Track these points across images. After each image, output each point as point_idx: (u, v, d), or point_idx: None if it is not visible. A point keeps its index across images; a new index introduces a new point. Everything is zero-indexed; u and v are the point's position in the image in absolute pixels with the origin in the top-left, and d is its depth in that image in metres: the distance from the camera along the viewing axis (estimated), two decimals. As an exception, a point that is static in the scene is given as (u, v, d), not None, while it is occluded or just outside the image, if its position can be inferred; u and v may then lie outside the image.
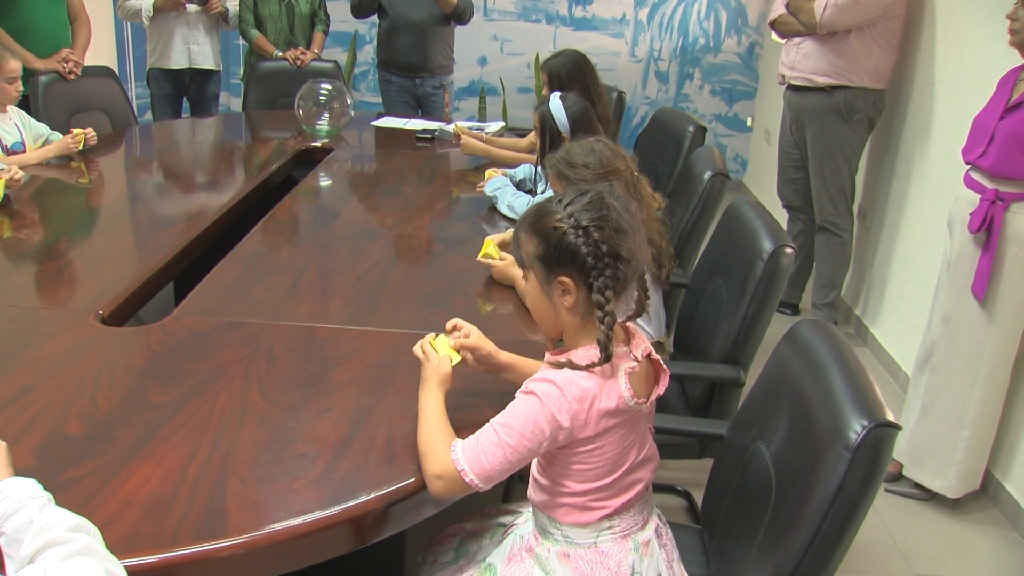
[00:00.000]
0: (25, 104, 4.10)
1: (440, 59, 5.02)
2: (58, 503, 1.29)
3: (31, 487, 1.34)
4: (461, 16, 4.86)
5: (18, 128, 3.66)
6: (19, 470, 1.41)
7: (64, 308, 2.26)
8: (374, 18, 5.10)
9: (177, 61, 4.96)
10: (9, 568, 1.26)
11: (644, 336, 1.68)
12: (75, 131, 3.70)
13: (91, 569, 1.20)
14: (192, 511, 1.46)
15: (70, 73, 4.32)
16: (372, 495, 1.53)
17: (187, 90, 5.12)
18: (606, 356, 1.52)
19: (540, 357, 1.82)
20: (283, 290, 2.41)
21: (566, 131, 2.88)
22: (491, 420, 1.55)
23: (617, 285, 1.54)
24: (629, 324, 1.67)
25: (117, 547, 1.25)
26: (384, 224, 3.04)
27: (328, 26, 5.21)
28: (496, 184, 3.14)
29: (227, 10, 5.01)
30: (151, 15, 4.85)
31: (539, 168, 3.08)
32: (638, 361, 1.60)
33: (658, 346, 1.66)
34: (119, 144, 4.16)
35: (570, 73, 3.56)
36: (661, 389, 1.65)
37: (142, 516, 1.44)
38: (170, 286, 2.79)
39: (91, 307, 2.23)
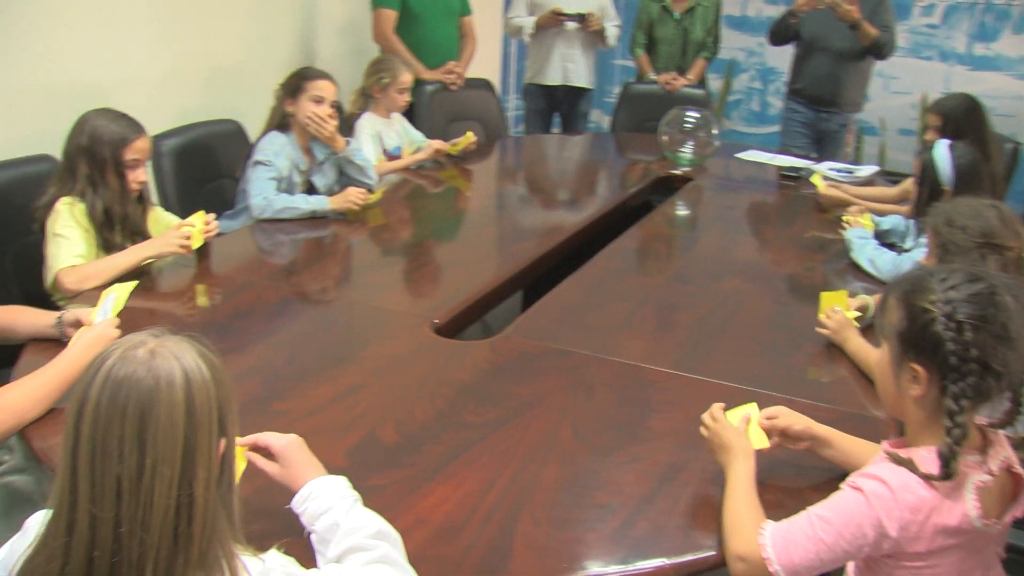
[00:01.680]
0: (409, 111, 4.39)
1: (852, 95, 4.73)
2: (358, 509, 1.33)
3: (341, 487, 1.37)
4: (881, 50, 4.54)
5: (399, 134, 3.91)
6: (329, 469, 1.45)
7: (406, 312, 2.34)
8: (759, 45, 4.94)
9: (552, 77, 5.08)
10: (319, 562, 1.31)
11: (1005, 442, 1.41)
12: (456, 140, 3.90)
13: None
14: (479, 542, 1.42)
15: (452, 84, 4.55)
16: (666, 562, 1.41)
17: (559, 106, 5.23)
18: (946, 473, 1.29)
19: (876, 438, 1.61)
20: (618, 321, 2.34)
21: (949, 184, 2.58)
22: (809, 509, 1.37)
23: (977, 398, 1.31)
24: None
25: (397, 570, 1.24)
26: (734, 264, 2.89)
27: (715, 54, 5.09)
28: (859, 233, 2.87)
29: (604, 28, 5.01)
30: (532, 32, 5.01)
31: (912, 221, 2.78)
32: (993, 475, 1.34)
33: (1021, 443, 1.39)
34: (489, 154, 4.33)
35: (966, 119, 3.20)
36: (1021, 510, 1.38)
37: (431, 538, 1.43)
38: (519, 296, 2.85)
39: (430, 315, 2.29)
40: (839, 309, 2.22)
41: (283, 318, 2.30)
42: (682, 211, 3.51)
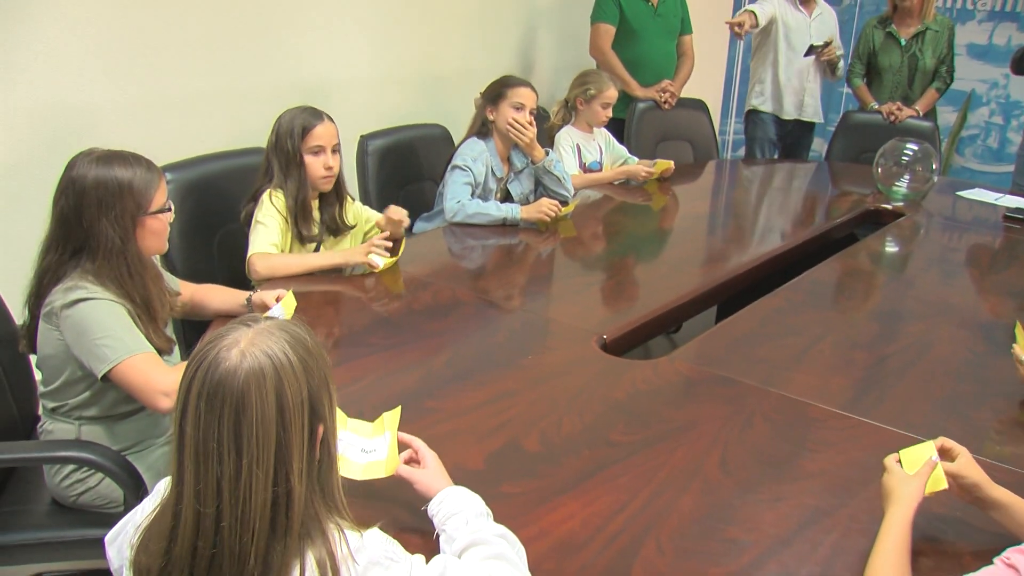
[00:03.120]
0: (619, 126, 4.39)
1: None
2: (482, 515, 1.36)
3: (476, 500, 1.40)
4: None
5: (600, 148, 3.91)
6: (466, 471, 1.48)
7: (575, 326, 2.34)
8: (1004, 77, 4.61)
9: (787, 111, 4.92)
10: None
11: None
12: (659, 162, 3.86)
13: (506, 573, 1.25)
14: (598, 563, 1.40)
15: (665, 103, 4.53)
16: (790, 611, 1.34)
17: (786, 137, 5.04)
18: None
19: None
20: (791, 354, 2.24)
21: None
22: (960, 576, 1.26)
23: None
24: None
25: None
26: (931, 305, 2.71)
27: (948, 84, 4.77)
28: None
29: (839, 59, 4.85)
30: (757, 31, 4.80)
31: None
32: None
33: None
34: (697, 175, 4.27)
35: None
36: None
37: (549, 551, 1.42)
38: (713, 311, 2.79)
39: (598, 330, 2.28)
40: None
41: (455, 319, 2.36)
42: (885, 247, 3.33)
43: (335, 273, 2.57)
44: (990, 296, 2.83)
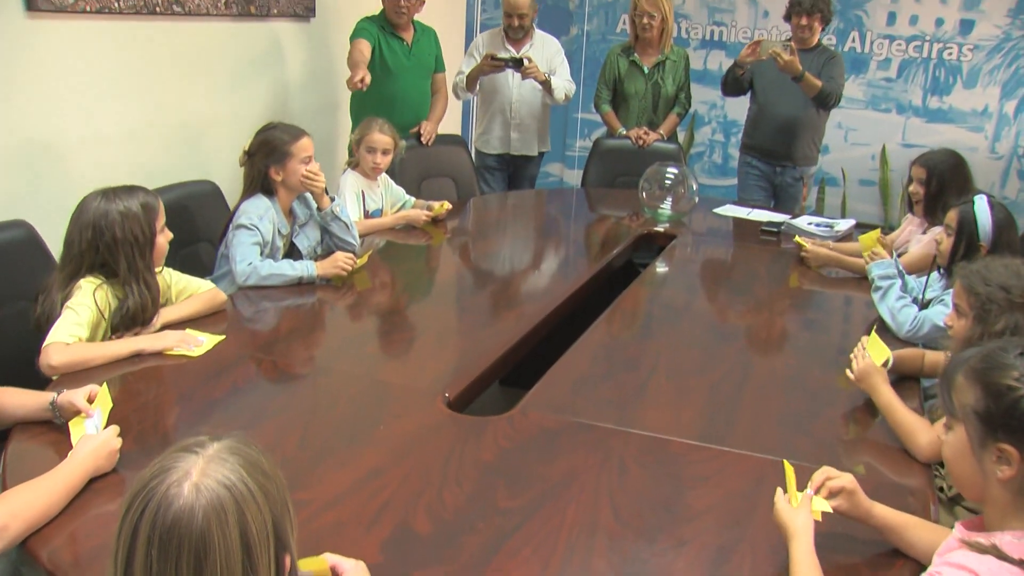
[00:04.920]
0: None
1: (806, 149, 4.74)
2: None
3: None
4: (826, 101, 4.57)
5: (382, 195, 3.83)
6: (369, 566, 1.36)
7: (413, 387, 2.25)
8: (720, 98, 4.95)
9: (492, 145, 5.02)
10: None
11: None
12: (434, 205, 3.82)
13: None
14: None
15: (426, 141, 4.50)
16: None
17: (507, 168, 5.12)
18: None
19: (918, 510, 1.60)
20: (632, 391, 2.27)
21: (986, 241, 2.56)
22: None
23: None
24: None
25: None
26: (736, 325, 2.85)
27: (687, 109, 5.06)
28: (884, 271, 2.84)
29: (549, 80, 4.75)
30: (466, 87, 4.83)
31: (936, 274, 2.77)
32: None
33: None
34: (463, 212, 4.26)
35: (951, 173, 3.22)
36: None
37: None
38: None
39: (437, 387, 2.20)
40: (868, 354, 2.20)
41: (288, 394, 2.20)
42: (671, 272, 3.48)
43: (139, 357, 2.33)
44: (782, 308, 3.02)
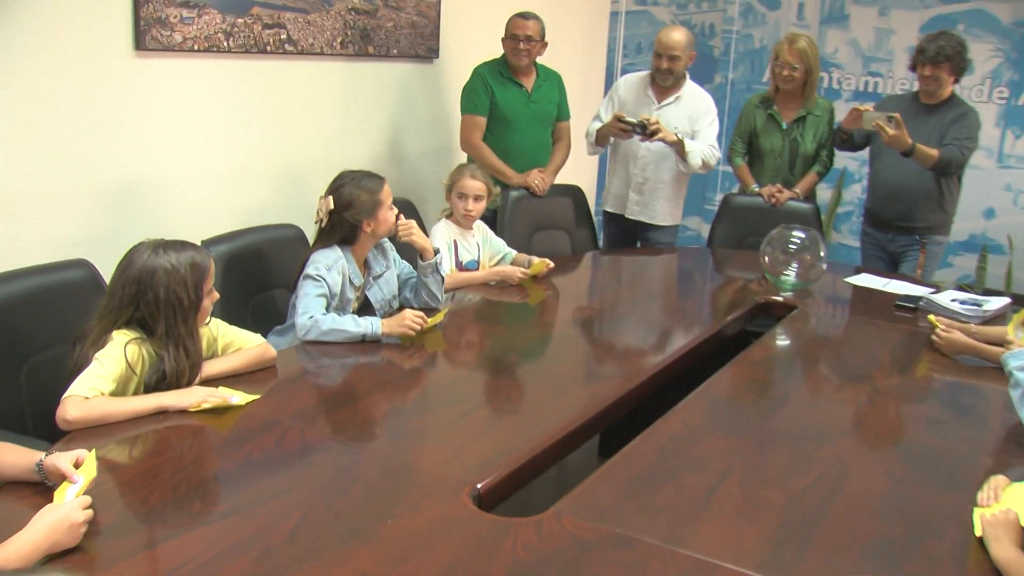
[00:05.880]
0: (492, 217, 4.12)
1: (927, 217, 4.21)
2: None
3: None
4: (945, 170, 4.06)
5: (478, 246, 3.62)
6: None
7: (443, 474, 1.98)
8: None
9: (615, 205, 4.58)
10: None
11: None
12: (534, 260, 3.59)
13: None
14: None
15: (537, 190, 4.27)
16: None
17: (635, 234, 4.66)
18: None
19: None
20: (693, 499, 1.94)
21: None
22: None
23: None
24: None
25: None
26: (840, 421, 2.47)
27: (828, 168, 4.63)
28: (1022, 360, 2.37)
29: (682, 143, 4.21)
30: (596, 145, 4.44)
31: None
32: None
33: None
34: (574, 269, 4.00)
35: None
36: None
37: None
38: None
39: (470, 478, 1.94)
40: (1002, 494, 1.81)
41: (301, 472, 1.98)
42: (782, 349, 3.10)
43: (156, 414, 2.16)
44: (899, 405, 2.61)
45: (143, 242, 2.29)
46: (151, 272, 2.22)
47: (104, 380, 2.13)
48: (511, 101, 4.31)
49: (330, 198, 2.88)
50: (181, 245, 2.30)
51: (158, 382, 2.22)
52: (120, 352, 2.18)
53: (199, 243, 2.93)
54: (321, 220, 2.91)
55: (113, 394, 2.14)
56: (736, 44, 6.30)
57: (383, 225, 2.96)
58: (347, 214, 2.88)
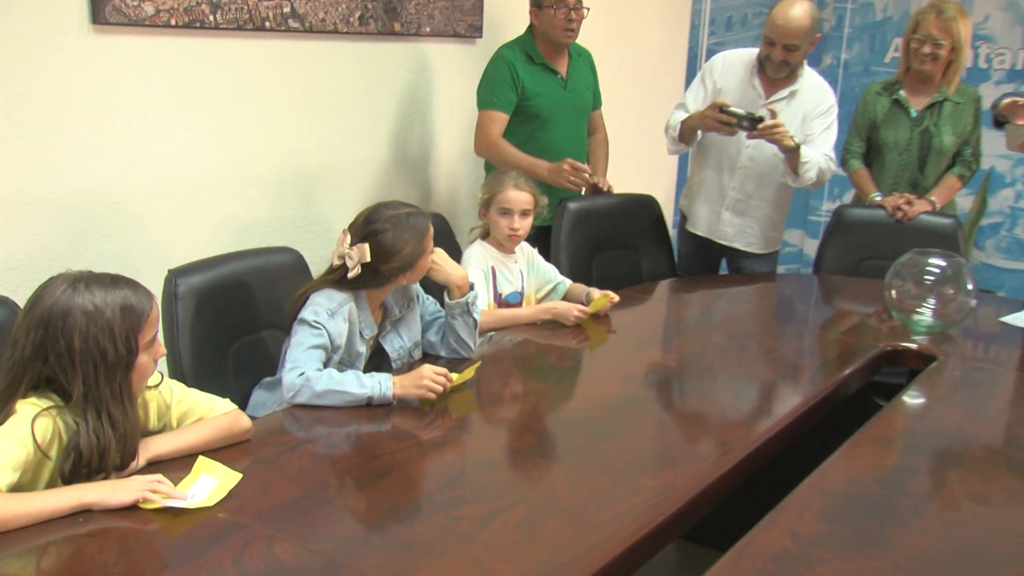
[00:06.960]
0: (546, 233, 3.84)
1: None
2: None
3: None
4: None
5: (521, 273, 3.32)
6: None
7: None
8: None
9: (698, 225, 4.25)
10: None
11: None
12: (595, 294, 3.32)
13: None
14: None
15: (573, 185, 3.88)
16: None
17: (718, 258, 4.39)
18: None
19: None
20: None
21: None
22: None
23: None
24: None
25: None
26: (1001, 537, 2.09)
27: (973, 171, 4.26)
28: None
29: (799, 147, 3.80)
30: (679, 140, 4.05)
31: None
32: None
33: None
34: (642, 301, 3.70)
35: None
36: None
37: None
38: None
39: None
40: None
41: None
42: (921, 419, 2.73)
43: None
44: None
45: (60, 274, 2.00)
46: (64, 313, 1.92)
47: (3, 470, 1.84)
48: (546, 93, 4.02)
49: (366, 246, 2.60)
50: (112, 280, 2.00)
51: (74, 465, 1.93)
52: (26, 430, 1.89)
53: (167, 271, 2.70)
54: (349, 268, 2.63)
55: (17, 488, 1.85)
56: (852, 16, 5.93)
57: (419, 274, 2.76)
58: (384, 267, 2.63)
